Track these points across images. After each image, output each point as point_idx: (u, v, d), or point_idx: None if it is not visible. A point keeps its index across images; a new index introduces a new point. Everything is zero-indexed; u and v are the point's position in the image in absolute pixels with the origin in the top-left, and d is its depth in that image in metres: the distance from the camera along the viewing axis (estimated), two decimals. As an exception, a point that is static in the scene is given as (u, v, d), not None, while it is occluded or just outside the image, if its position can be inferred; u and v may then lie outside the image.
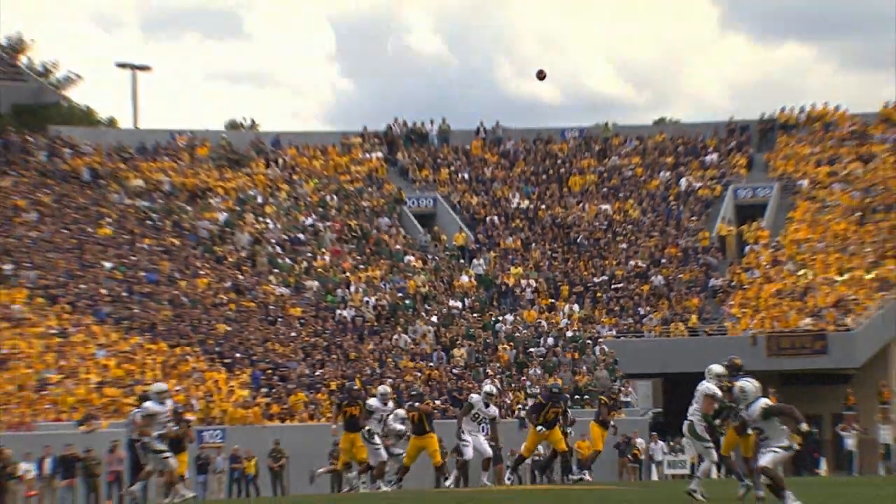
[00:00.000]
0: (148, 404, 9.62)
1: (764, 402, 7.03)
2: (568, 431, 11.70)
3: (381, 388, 11.73)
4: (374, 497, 10.43)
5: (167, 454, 9.47)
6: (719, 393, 8.28)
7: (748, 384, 7.16)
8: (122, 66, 28.03)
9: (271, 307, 21.08)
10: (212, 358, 18.63)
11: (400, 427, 11.18)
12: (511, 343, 21.35)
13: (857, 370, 20.63)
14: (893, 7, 54.09)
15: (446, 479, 11.85)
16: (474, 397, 11.63)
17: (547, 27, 57.82)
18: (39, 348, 17.27)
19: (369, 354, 20.20)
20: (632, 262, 23.72)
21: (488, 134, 27.99)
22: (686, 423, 8.57)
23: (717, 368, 8.45)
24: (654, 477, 18.83)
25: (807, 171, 25.45)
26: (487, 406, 11.24)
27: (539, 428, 10.69)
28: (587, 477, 11.79)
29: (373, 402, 11.14)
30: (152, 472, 9.71)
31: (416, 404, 10.99)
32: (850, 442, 17.66)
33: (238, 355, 19.00)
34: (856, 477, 16.48)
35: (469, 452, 10.99)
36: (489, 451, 11.28)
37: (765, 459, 6.92)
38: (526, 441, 11.62)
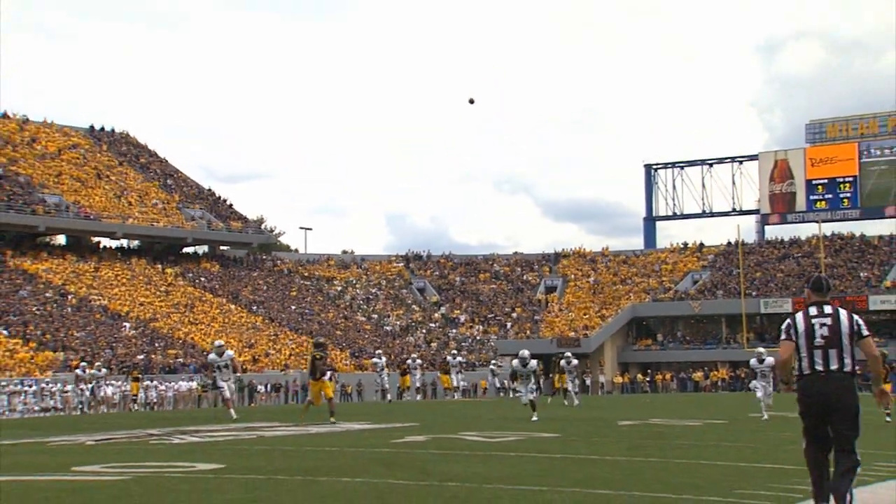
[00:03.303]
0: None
1: None
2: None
3: (217, 342, 16.77)
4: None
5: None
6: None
7: None
8: (301, 227, 61.28)
9: (358, 325, 52.21)
10: (334, 344, 49.28)
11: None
12: (454, 342, 52.11)
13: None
14: None
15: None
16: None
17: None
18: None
19: (397, 345, 50.97)
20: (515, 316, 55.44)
21: (445, 257, 60.32)
22: None
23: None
24: (510, 396, 49.31)
25: None
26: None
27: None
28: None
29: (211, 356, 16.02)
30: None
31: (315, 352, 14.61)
32: None
33: (343, 344, 49.84)
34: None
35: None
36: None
37: None
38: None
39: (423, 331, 52.69)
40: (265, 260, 56.70)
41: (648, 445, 10.72)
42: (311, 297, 53.67)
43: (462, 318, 54.92)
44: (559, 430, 13.67)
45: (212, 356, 17.67)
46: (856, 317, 5.59)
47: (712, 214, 63.81)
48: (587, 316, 52.90)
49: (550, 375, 34.40)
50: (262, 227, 60.22)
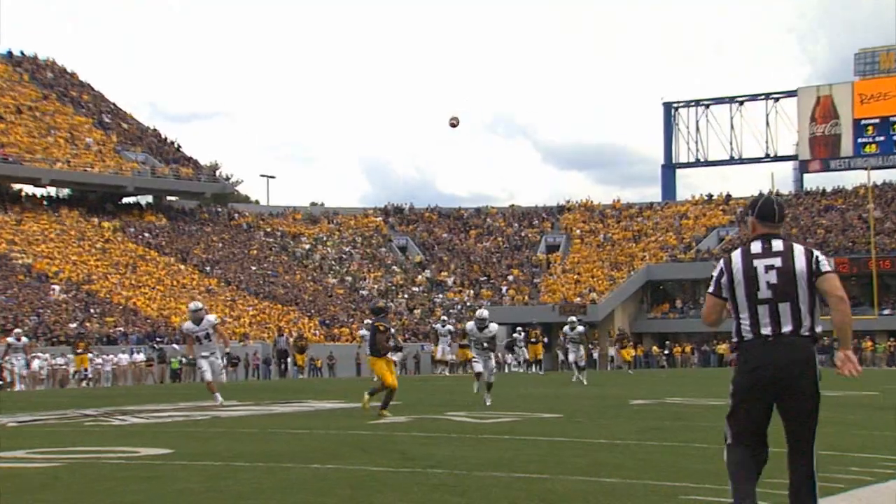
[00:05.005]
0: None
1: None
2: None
3: (193, 304, 16.18)
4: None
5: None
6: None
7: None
8: (262, 175, 60.92)
9: (329, 289, 52.36)
10: (302, 312, 49.47)
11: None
12: (441, 307, 52.45)
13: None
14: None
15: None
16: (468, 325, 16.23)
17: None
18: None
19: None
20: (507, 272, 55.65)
21: (430, 210, 60.48)
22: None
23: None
24: (505, 371, 49.70)
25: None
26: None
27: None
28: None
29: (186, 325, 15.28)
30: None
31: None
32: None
33: (312, 311, 49.96)
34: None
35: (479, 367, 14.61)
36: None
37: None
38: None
39: (405, 296, 52.87)
40: (220, 213, 56.56)
41: (664, 428, 10.85)
42: (274, 256, 53.66)
43: (450, 282, 55.14)
44: (562, 409, 13.82)
45: (187, 325, 15.81)
46: (816, 252, 4.57)
47: (742, 161, 63.97)
48: (595, 279, 53.15)
49: (556, 349, 34.58)
50: (217, 174, 60.03)
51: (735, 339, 4.57)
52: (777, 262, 4.48)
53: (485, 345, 14.88)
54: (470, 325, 15.13)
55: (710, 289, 4.65)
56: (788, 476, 4.57)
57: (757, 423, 4.51)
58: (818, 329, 4.51)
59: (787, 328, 4.43)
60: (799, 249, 4.52)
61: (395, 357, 14.74)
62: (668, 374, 33.44)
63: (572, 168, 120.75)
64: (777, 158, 62.41)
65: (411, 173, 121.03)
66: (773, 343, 4.42)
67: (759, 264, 4.50)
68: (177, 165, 53.84)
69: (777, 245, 4.54)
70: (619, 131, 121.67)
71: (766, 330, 4.45)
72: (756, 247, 4.56)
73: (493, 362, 15.13)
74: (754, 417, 4.50)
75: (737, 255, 4.58)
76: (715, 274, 4.64)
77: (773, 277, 4.46)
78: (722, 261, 4.65)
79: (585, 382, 23.11)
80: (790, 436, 4.53)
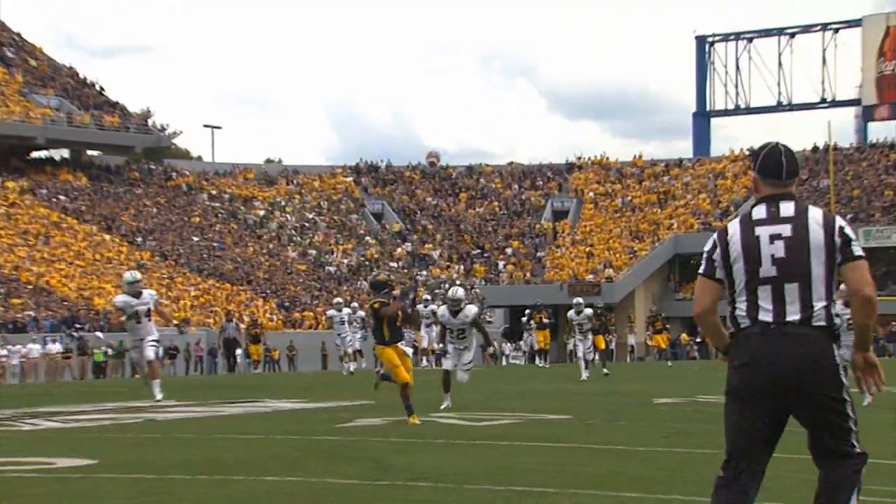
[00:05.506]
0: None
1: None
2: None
3: (130, 274, 16.19)
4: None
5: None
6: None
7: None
8: (206, 126, 61.32)
9: (288, 264, 52.43)
10: (255, 292, 49.57)
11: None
12: (425, 287, 52.66)
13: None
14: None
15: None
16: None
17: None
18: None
19: (344, 292, 51.43)
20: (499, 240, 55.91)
21: (411, 169, 60.80)
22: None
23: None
24: (503, 363, 50.05)
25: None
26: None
27: None
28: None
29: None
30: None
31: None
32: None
33: (268, 291, 50.05)
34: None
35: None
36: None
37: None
38: None
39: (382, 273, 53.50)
40: (154, 171, 56.31)
41: (695, 432, 10.92)
42: (220, 224, 53.65)
43: (435, 255, 55.28)
44: (571, 409, 13.91)
45: (121, 298, 15.25)
46: (839, 221, 4.32)
47: (792, 107, 64.16)
48: (611, 252, 53.41)
49: (566, 337, 34.76)
50: (150, 123, 59.83)
51: (730, 329, 4.37)
52: (786, 230, 4.27)
53: (461, 334, 14.79)
54: (442, 309, 14.98)
55: (701, 268, 4.44)
56: (819, 485, 4.35)
57: (749, 439, 4.26)
58: (836, 320, 4.26)
59: (794, 316, 4.19)
60: (816, 214, 4.31)
61: (411, 338, 14.20)
62: (700, 366, 33.73)
63: (584, 117, 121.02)
64: (835, 104, 62.65)
65: (389, 123, 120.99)
66: (774, 333, 4.20)
67: (763, 233, 4.30)
68: (99, 112, 53.55)
69: (787, 209, 4.33)
70: (642, 72, 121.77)
71: (765, 316, 4.23)
72: (760, 212, 4.36)
73: (470, 354, 14.97)
74: (755, 428, 4.25)
75: (734, 225, 4.40)
76: (706, 249, 4.45)
77: (779, 250, 4.25)
78: (716, 233, 4.49)
79: (584, 377, 23.14)
80: (815, 444, 4.32)
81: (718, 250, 4.38)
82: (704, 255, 4.46)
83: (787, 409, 4.27)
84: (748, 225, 4.35)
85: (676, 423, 11.89)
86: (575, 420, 12.40)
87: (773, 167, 4.38)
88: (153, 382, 15.39)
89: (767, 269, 4.25)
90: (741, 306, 4.30)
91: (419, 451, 9.42)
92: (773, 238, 4.26)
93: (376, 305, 12.27)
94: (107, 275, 42.26)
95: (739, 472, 4.28)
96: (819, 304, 4.21)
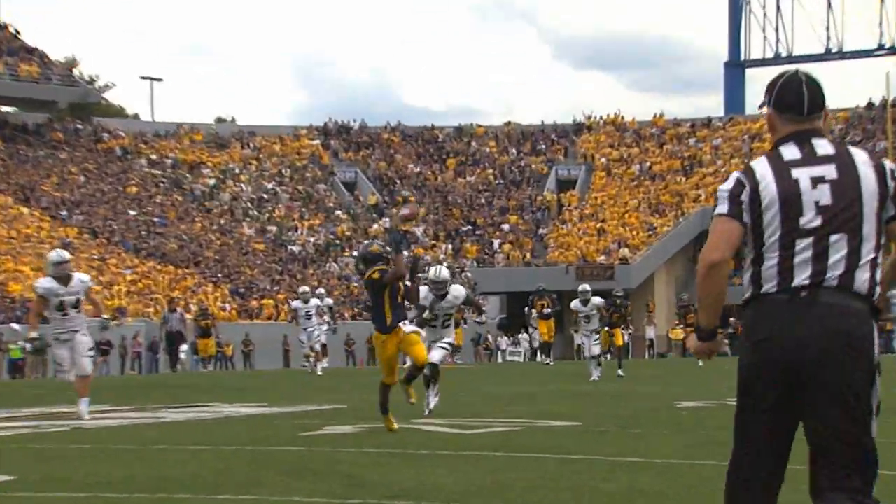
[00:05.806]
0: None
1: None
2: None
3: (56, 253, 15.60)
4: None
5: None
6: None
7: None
8: (144, 77, 60.99)
9: (244, 243, 52.41)
10: (204, 276, 49.53)
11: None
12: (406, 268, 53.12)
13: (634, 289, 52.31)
14: None
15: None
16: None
17: None
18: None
19: (310, 276, 51.45)
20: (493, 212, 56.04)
21: (390, 130, 61.01)
22: None
23: None
24: (499, 360, 50.12)
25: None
26: None
27: None
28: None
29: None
30: None
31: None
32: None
33: (220, 275, 50.01)
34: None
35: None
36: None
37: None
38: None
39: (354, 253, 52.93)
40: (82, 131, 56.11)
41: (723, 441, 10.97)
42: (162, 195, 53.56)
43: (419, 232, 55.30)
44: (579, 414, 13.96)
45: (44, 283, 14.57)
46: (888, 163, 4.25)
47: (843, 55, 64.28)
48: (627, 228, 53.54)
49: (572, 330, 35.07)
50: (76, 73, 59.38)
51: (747, 295, 4.24)
52: (830, 171, 4.12)
53: (446, 321, 14.76)
54: (424, 291, 14.78)
55: (724, 208, 4.20)
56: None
57: (776, 431, 4.19)
58: (878, 289, 4.12)
59: (836, 272, 4.04)
60: (861, 154, 4.20)
61: (414, 318, 14.09)
62: (731, 362, 33.94)
63: (595, 68, 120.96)
64: (895, 51, 62.64)
65: (363, 78, 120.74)
66: (806, 301, 4.04)
67: (802, 175, 4.13)
68: (14, 60, 53.24)
69: (823, 146, 4.20)
70: (663, 15, 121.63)
71: (801, 278, 4.06)
72: (791, 151, 4.19)
73: (448, 339, 14.71)
74: (768, 426, 4.19)
75: (762, 164, 4.22)
76: (728, 187, 4.23)
77: (824, 195, 4.10)
78: (737, 172, 4.30)
79: (595, 377, 23.34)
80: (819, 449, 4.15)
81: (748, 190, 4.18)
82: (726, 195, 4.23)
83: (795, 411, 4.15)
84: (781, 166, 4.18)
85: (701, 431, 11.94)
86: (583, 427, 12.46)
87: (793, 99, 4.22)
88: (81, 400, 14.35)
89: (810, 219, 4.09)
90: (770, 263, 4.13)
91: (399, 463, 9.46)
92: (816, 181, 4.12)
93: (376, 276, 12.03)
94: (25, 255, 42.16)
95: (757, 475, 4.34)
96: (866, 266, 4.08)
